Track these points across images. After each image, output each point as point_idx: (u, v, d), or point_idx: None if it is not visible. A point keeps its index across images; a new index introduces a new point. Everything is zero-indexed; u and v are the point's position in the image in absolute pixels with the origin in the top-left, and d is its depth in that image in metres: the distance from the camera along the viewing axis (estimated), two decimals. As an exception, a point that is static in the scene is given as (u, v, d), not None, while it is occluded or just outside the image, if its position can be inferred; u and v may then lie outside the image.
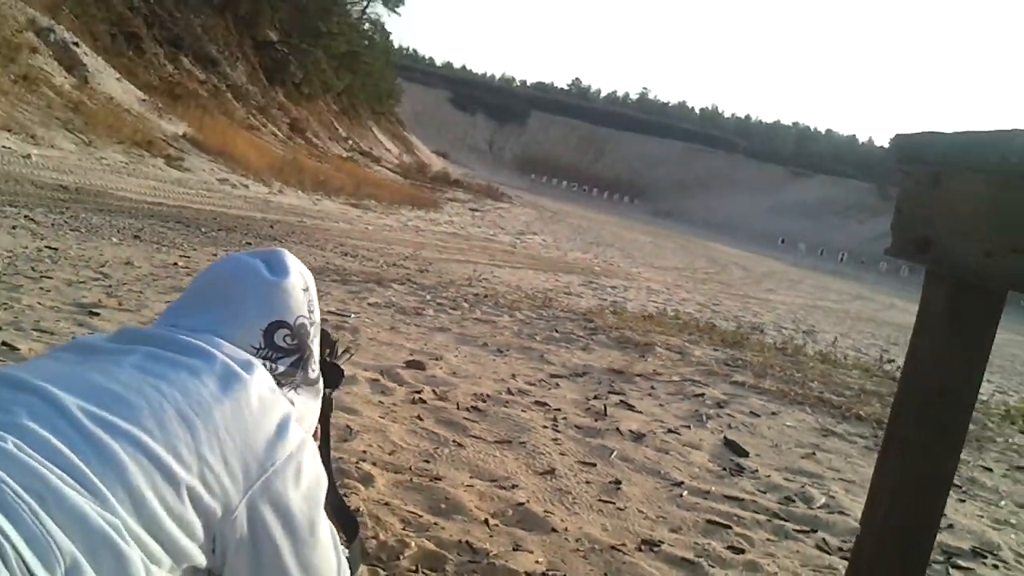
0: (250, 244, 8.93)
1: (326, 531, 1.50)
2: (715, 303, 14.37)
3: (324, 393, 2.20)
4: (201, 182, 14.55)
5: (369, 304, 6.52)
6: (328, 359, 2.06)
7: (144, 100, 18.07)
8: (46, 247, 6.17)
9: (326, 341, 2.08)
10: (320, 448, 2.21)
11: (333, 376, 2.22)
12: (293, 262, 1.65)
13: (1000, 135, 2.03)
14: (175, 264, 6.63)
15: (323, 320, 5.45)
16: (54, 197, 9.05)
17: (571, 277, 13.41)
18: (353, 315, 5.82)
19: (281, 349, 1.58)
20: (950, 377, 2.14)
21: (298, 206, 15.34)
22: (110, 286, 5.35)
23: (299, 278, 1.63)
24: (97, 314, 4.52)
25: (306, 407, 1.66)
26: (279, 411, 1.44)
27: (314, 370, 1.69)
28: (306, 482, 1.43)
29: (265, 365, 1.53)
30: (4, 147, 11.24)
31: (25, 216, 7.30)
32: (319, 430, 2.20)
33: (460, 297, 7.83)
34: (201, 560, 1.30)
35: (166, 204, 10.89)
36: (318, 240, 10.85)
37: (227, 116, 22.82)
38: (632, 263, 20.36)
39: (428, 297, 7.46)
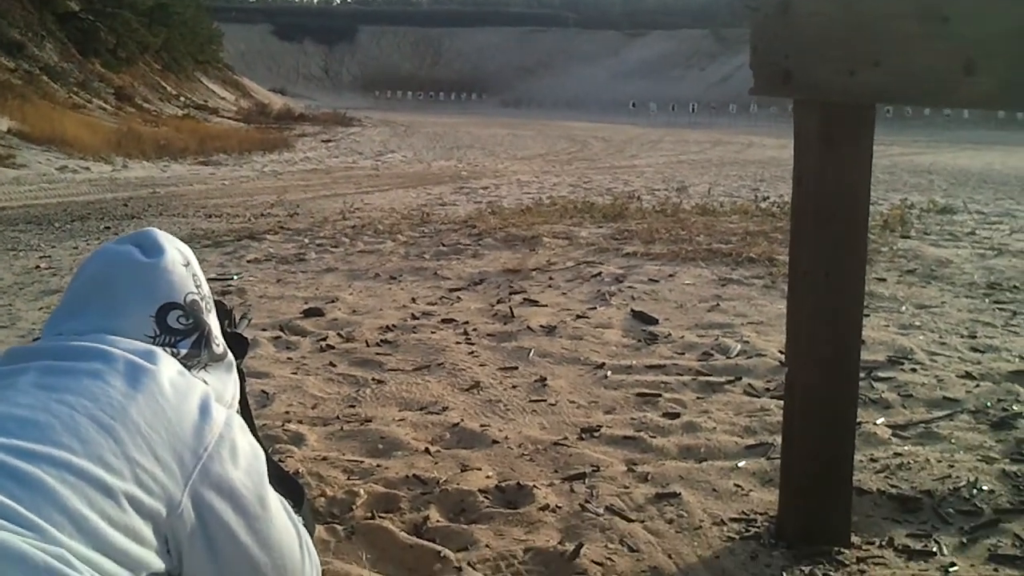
0: (108, 228, 8.52)
1: (276, 502, 1.45)
2: (585, 181, 14.47)
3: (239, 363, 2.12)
4: (40, 175, 13.78)
5: (248, 261, 6.33)
6: (229, 329, 1.98)
7: (-45, 103, 16.90)
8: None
9: (223, 312, 2.00)
10: (248, 423, 2.14)
11: (238, 346, 2.13)
12: (166, 239, 1.56)
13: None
14: (37, 267, 6.29)
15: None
16: None
17: (441, 187, 13.29)
18: (236, 276, 5.64)
19: (178, 331, 1.50)
20: (838, 198, 2.19)
21: (147, 177, 14.72)
22: (-26, 307, 5.04)
23: (177, 254, 1.54)
24: (-32, 339, 4.26)
25: (221, 384, 1.60)
26: (196, 393, 1.38)
27: (218, 345, 1.61)
28: (243, 458, 1.38)
29: (166, 351, 1.45)
30: None
31: None
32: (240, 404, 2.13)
33: (338, 233, 7.66)
34: (159, 565, 1.25)
35: (10, 207, 10.29)
36: (177, 208, 10.45)
37: (49, 100, 21.47)
38: (496, 160, 20.27)
39: (306, 241, 7.27)
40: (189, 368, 1.50)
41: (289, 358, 3.94)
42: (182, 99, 35.33)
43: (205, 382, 1.52)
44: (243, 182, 14.29)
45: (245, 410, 2.22)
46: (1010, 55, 1.62)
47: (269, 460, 2.46)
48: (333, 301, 5.01)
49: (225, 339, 2.08)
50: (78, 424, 1.20)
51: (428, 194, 12.16)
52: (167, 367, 1.37)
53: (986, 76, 1.71)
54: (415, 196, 11.83)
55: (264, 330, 4.35)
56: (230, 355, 1.67)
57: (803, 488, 2.33)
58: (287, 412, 3.25)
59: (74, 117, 19.70)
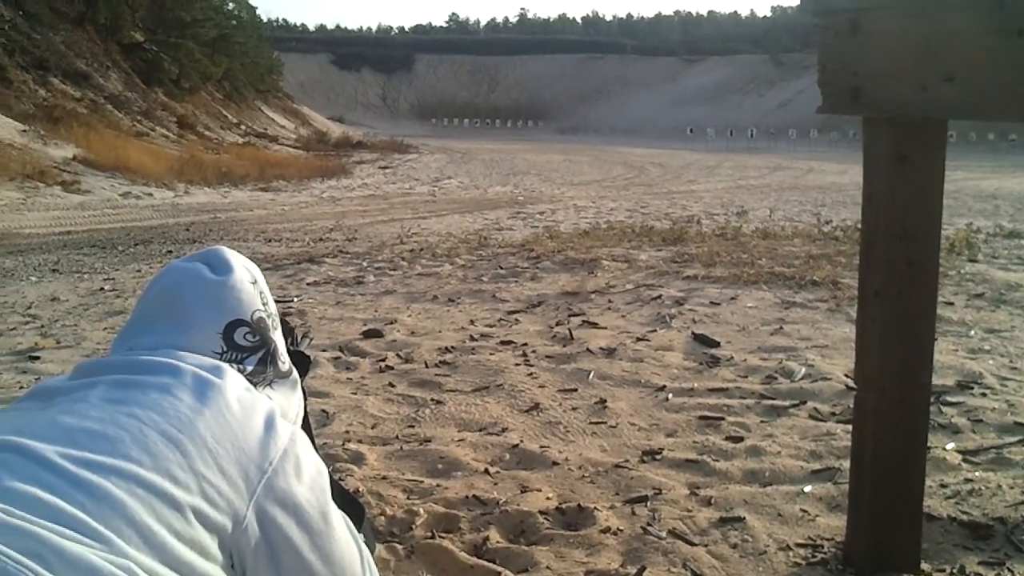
0: (171, 252, 8.68)
1: (339, 518, 1.45)
2: (643, 206, 14.43)
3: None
4: (104, 201, 14.11)
5: (308, 284, 6.39)
6: (291, 348, 1.99)
7: (25, 131, 17.37)
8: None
9: (286, 330, 2.01)
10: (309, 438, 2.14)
11: (301, 364, 2.14)
12: (235, 257, 1.57)
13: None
14: (101, 289, 6.41)
15: (269, 310, 5.23)
16: (-43, 251, 8.69)
17: (498, 212, 13.34)
18: (295, 298, 5.69)
19: (245, 348, 1.51)
20: (909, 217, 2.15)
21: (208, 203, 15.00)
22: (42, 326, 5.14)
23: (245, 272, 1.56)
24: (37, 358, 4.34)
25: (286, 400, 1.60)
26: (262, 409, 1.38)
27: (284, 362, 1.62)
28: (308, 473, 1.38)
29: (233, 368, 1.46)
30: None
31: (-65, 277, 6.99)
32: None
33: (396, 256, 7.71)
34: None
35: (75, 231, 10.54)
36: (237, 232, 10.62)
37: (113, 128, 22.06)
38: (553, 186, 20.32)
39: (365, 264, 7.33)
40: (255, 384, 1.51)
41: (349, 378, 3.95)
42: (243, 127, 36.00)
43: (270, 399, 1.53)
44: (302, 208, 14.48)
45: (306, 428, 2.23)
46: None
47: (329, 478, 2.47)
48: (392, 323, 5.03)
49: (289, 357, 2.09)
50: (147, 437, 1.21)
51: (485, 219, 12.21)
52: (234, 383, 1.38)
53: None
54: (472, 221, 11.88)
55: (324, 351, 4.38)
56: (295, 373, 1.67)
57: (872, 513, 2.27)
58: (347, 431, 3.25)
59: (137, 145, 20.17)
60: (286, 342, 1.87)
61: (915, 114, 2.06)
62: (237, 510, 1.25)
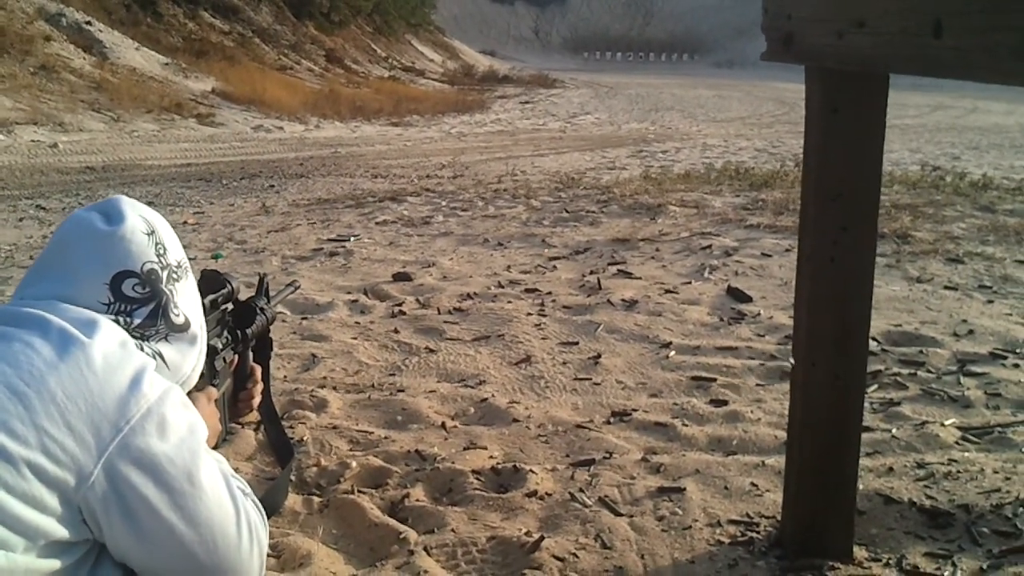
0: (273, 187, 8.87)
1: (212, 478, 1.43)
2: (776, 145, 13.88)
3: (248, 333, 2.11)
4: (234, 134, 14.53)
5: (377, 223, 6.41)
6: (215, 302, 1.97)
7: (167, 64, 18.01)
8: (52, 234, 6.18)
9: (212, 283, 1.99)
10: (263, 390, 2.13)
11: (245, 317, 2.13)
12: (131, 206, 1.56)
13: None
14: (185, 223, 6.60)
15: (319, 249, 5.30)
16: (79, 180, 9.13)
17: (620, 151, 13.07)
18: (353, 238, 5.71)
19: (134, 300, 1.49)
20: (844, 176, 1.97)
21: (335, 137, 15.25)
22: (106, 260, 5.32)
23: (140, 222, 1.54)
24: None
25: (180, 355, 1.57)
26: (132, 366, 1.37)
27: (178, 315, 1.59)
28: (174, 433, 1.36)
29: (120, 321, 1.45)
30: (32, 141, 11.38)
31: (36, 206, 7.36)
32: (256, 369, 2.13)
33: (476, 197, 7.63)
34: (63, 533, 1.25)
35: (196, 163, 10.88)
36: (348, 168, 10.75)
37: (257, 61, 22.56)
38: (692, 122, 19.77)
39: (442, 204, 7.29)
40: (147, 338, 1.50)
41: (357, 322, 3.95)
42: (390, 61, 36.33)
43: (161, 353, 1.51)
44: (425, 143, 14.56)
45: (265, 374, 2.23)
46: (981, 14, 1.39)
47: (274, 425, 2.47)
48: (430, 266, 4.99)
49: (236, 308, 2.08)
50: None
51: (603, 157, 11.99)
52: (105, 339, 1.37)
53: (955, 40, 1.49)
54: (587, 160, 11.69)
55: (348, 293, 4.39)
56: (195, 327, 1.64)
57: (802, 495, 2.13)
58: (325, 377, 3.25)
59: (277, 78, 20.64)
60: (207, 296, 1.85)
61: (834, 64, 1.88)
62: (82, 466, 1.25)
